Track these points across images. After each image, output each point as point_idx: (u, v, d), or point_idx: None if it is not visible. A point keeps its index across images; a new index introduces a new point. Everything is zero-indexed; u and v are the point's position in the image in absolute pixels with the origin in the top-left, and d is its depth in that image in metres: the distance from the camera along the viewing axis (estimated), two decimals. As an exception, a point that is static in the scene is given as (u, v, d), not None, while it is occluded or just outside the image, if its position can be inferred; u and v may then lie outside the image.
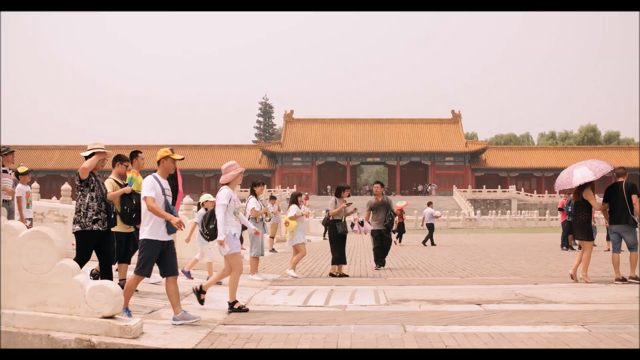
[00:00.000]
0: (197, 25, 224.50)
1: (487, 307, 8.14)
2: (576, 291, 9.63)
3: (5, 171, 10.55)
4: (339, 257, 12.61)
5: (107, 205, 7.59)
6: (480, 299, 8.86)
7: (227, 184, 8.11)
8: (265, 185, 12.44)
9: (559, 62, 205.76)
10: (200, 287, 7.93)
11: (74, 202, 14.86)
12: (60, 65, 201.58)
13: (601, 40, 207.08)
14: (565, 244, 20.42)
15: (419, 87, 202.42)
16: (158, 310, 7.62)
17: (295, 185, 76.79)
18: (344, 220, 12.75)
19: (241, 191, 70.46)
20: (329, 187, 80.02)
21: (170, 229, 6.85)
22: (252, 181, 12.28)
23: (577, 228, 11.13)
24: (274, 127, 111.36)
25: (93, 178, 7.52)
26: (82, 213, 7.40)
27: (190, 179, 78.53)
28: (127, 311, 6.73)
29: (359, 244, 25.23)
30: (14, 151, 10.85)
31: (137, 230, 9.37)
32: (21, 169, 11.32)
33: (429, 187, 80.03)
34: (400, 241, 25.00)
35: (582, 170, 10.76)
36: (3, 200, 10.47)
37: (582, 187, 10.86)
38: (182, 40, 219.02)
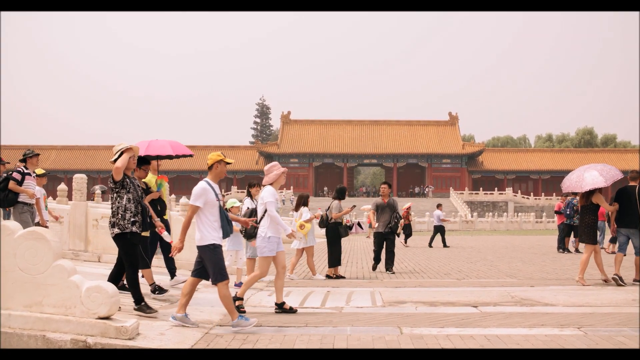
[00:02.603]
0: (194, 25, 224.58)
1: (483, 310, 8.15)
2: (572, 294, 9.65)
3: (29, 174, 10.54)
4: (337, 259, 12.63)
5: (142, 208, 7.51)
6: (476, 301, 8.86)
7: (270, 184, 8.21)
8: (259, 185, 12.46)
9: (556, 65, 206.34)
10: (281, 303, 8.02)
11: (70, 202, 14.85)
12: (58, 64, 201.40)
13: (599, 43, 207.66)
14: (562, 247, 20.46)
15: (416, 89, 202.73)
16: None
17: (292, 187, 76.76)
18: (344, 223, 12.83)
19: (238, 192, 70.52)
20: (325, 188, 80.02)
21: (225, 233, 6.90)
22: (248, 182, 12.28)
23: (584, 231, 11.12)
24: (271, 128, 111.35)
25: (128, 180, 7.41)
26: (120, 215, 7.25)
27: (186, 180, 78.39)
28: (241, 317, 6.71)
29: (355, 246, 25.25)
30: (38, 154, 10.83)
31: (156, 234, 9.33)
32: (39, 171, 11.30)
33: (426, 189, 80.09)
34: (405, 242, 25.14)
35: (593, 175, 10.77)
36: (26, 203, 10.47)
37: (591, 191, 10.90)
38: (180, 40, 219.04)
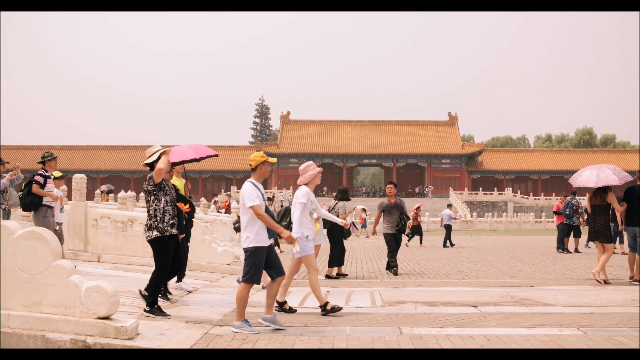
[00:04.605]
0: (194, 25, 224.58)
1: (482, 310, 8.15)
2: (572, 294, 9.65)
3: (49, 176, 10.53)
4: (338, 258, 12.63)
5: (178, 211, 7.49)
6: (476, 301, 8.87)
7: (305, 184, 8.10)
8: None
9: (556, 65, 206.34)
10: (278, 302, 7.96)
11: (70, 202, 14.83)
12: (58, 64, 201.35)
13: (599, 43, 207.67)
14: (561, 247, 20.46)
15: (416, 89, 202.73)
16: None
17: (291, 187, 76.75)
18: None
19: (237, 192, 70.49)
20: (325, 188, 79.97)
21: (271, 233, 6.87)
22: None
23: (600, 231, 11.13)
24: (271, 128, 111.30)
25: (164, 182, 7.39)
26: (158, 218, 7.20)
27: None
28: (247, 322, 6.67)
29: (355, 245, 25.23)
30: (56, 157, 10.81)
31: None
32: (56, 174, 11.31)
33: (426, 189, 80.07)
34: (420, 243, 25.38)
35: (606, 173, 10.94)
36: (49, 206, 10.45)
37: (605, 191, 11.00)
38: (179, 40, 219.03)
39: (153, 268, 7.37)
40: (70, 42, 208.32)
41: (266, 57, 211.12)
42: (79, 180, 14.02)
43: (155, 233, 7.21)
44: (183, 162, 9.48)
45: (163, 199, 7.29)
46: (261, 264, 6.78)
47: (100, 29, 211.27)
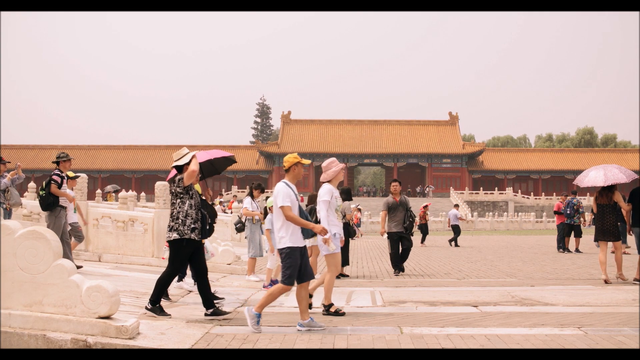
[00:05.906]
0: (195, 25, 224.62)
1: (483, 309, 8.15)
2: (572, 293, 9.65)
3: (63, 177, 10.55)
4: (344, 258, 12.62)
5: (202, 215, 7.46)
6: (476, 301, 8.87)
7: (328, 181, 8.02)
8: (263, 191, 12.36)
9: (556, 65, 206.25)
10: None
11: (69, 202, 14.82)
12: (58, 64, 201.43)
13: (599, 43, 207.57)
14: (562, 247, 20.46)
15: (416, 89, 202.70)
16: (154, 310, 7.58)
17: (292, 186, 76.70)
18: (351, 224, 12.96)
19: (238, 191, 70.50)
20: (326, 188, 79.96)
21: (306, 234, 6.83)
22: (253, 183, 12.13)
23: (608, 230, 11.10)
24: (272, 127, 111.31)
25: (191, 186, 7.38)
26: (180, 221, 7.20)
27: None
28: (259, 318, 6.64)
29: (354, 245, 25.22)
30: (71, 158, 10.84)
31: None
32: (70, 174, 11.31)
33: (426, 189, 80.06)
34: (422, 242, 25.14)
35: (613, 172, 10.96)
36: (62, 206, 10.46)
37: (611, 190, 11.01)
38: (180, 40, 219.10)
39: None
40: (71, 42, 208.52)
41: (267, 57, 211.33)
42: (80, 180, 14.02)
43: (174, 235, 7.22)
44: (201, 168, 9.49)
45: (188, 202, 7.28)
46: (297, 265, 6.70)
47: (101, 29, 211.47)
